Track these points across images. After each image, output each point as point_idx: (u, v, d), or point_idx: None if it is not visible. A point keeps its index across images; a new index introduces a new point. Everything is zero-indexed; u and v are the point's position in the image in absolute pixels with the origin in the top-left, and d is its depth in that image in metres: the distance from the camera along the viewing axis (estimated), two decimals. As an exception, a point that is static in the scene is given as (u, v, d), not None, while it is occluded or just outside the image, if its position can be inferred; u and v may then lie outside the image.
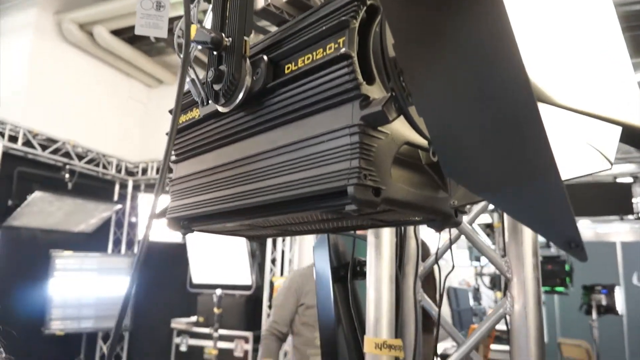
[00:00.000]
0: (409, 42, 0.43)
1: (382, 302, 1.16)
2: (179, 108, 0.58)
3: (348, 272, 1.35)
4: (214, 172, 0.71)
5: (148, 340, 5.86)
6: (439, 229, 0.64)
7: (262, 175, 0.61)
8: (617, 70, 0.54)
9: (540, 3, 0.52)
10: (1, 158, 4.62)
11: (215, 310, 4.31)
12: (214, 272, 5.21)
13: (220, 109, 0.65)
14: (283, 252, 5.42)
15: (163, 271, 5.82)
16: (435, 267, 1.33)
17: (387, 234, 1.21)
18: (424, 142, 0.56)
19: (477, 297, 6.39)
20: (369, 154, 0.51)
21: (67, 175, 5.20)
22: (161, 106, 6.28)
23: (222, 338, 4.63)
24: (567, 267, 5.20)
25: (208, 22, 0.68)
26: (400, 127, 0.54)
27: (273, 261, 5.40)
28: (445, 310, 4.95)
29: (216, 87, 0.63)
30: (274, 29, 0.70)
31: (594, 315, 4.92)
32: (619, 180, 5.30)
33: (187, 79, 0.67)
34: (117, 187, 6.15)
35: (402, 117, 0.52)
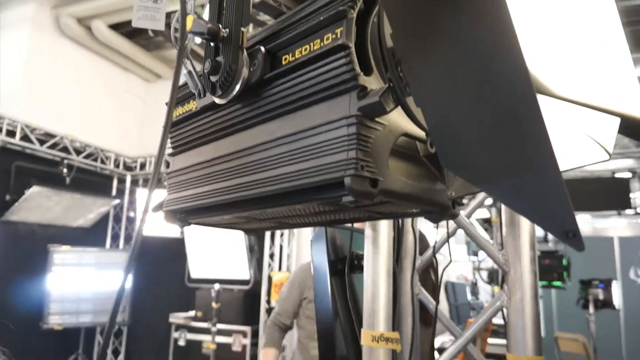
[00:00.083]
0: (407, 32, 0.43)
1: (379, 295, 1.16)
2: (174, 100, 0.57)
3: (345, 265, 1.35)
4: (210, 164, 0.71)
5: (146, 335, 5.87)
6: (436, 220, 0.64)
7: (259, 167, 0.61)
8: (617, 62, 0.53)
9: None
10: (-1, 153, 4.61)
11: (214, 304, 4.32)
12: (212, 267, 5.22)
13: (217, 100, 0.65)
14: (281, 246, 5.43)
15: (161, 266, 5.83)
16: (437, 257, 1.33)
17: (385, 228, 1.21)
18: (421, 133, 0.56)
19: (474, 291, 6.40)
20: (366, 145, 0.51)
21: (65, 170, 5.19)
22: (159, 101, 6.26)
23: (220, 333, 4.64)
24: (564, 262, 5.21)
25: (206, 16, 0.68)
26: (398, 119, 0.54)
27: (271, 256, 5.40)
28: (443, 305, 4.96)
29: (213, 78, 0.62)
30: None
31: (591, 309, 4.94)
32: (617, 175, 5.30)
33: (184, 71, 0.67)
34: (115, 182, 6.14)
35: (399, 108, 0.52)
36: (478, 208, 1.37)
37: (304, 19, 0.58)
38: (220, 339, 4.67)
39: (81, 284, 5.26)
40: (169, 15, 0.84)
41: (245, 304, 5.03)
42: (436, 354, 1.59)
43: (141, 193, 6.00)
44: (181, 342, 5.08)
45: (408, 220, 1.33)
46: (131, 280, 5.53)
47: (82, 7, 5.08)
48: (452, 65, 0.41)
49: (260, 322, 5.03)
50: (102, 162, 5.82)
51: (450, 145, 0.45)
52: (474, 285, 6.45)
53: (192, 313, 5.19)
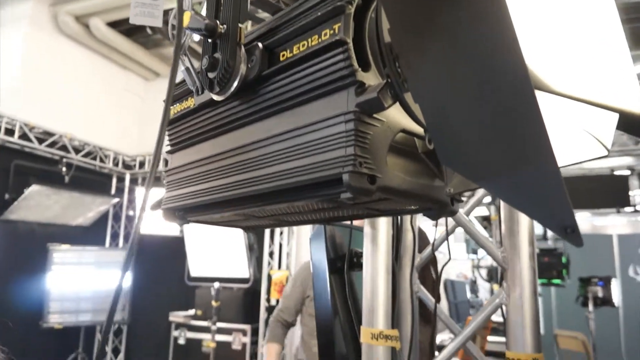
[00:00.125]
0: (405, 27, 0.43)
1: (379, 293, 1.16)
2: (171, 96, 0.57)
3: (345, 263, 1.35)
4: (209, 161, 0.71)
5: (146, 334, 5.87)
6: (435, 217, 0.64)
7: (258, 164, 0.61)
8: (615, 59, 0.53)
9: None
10: (-3, 151, 4.61)
11: (213, 303, 4.32)
12: (212, 266, 5.22)
13: (215, 97, 0.64)
14: (281, 245, 5.43)
15: (161, 264, 5.84)
16: (436, 255, 1.33)
17: (384, 226, 1.21)
18: (420, 130, 0.56)
19: (474, 289, 6.41)
20: (364, 141, 0.51)
21: (64, 169, 5.18)
22: (158, 99, 6.21)
23: (220, 331, 4.64)
24: (563, 260, 5.22)
25: (204, 12, 0.68)
26: (396, 115, 0.54)
27: (271, 254, 5.40)
28: (443, 303, 4.96)
29: (211, 75, 0.62)
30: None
31: (591, 307, 4.94)
32: (616, 173, 5.31)
33: (182, 68, 0.67)
34: (114, 181, 6.14)
35: (398, 104, 0.51)
36: (477, 206, 1.37)
37: (302, 15, 0.57)
38: (220, 337, 4.67)
39: (81, 283, 5.26)
40: (167, 12, 0.84)
41: (245, 302, 5.03)
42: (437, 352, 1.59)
43: (140, 191, 6.00)
44: (181, 341, 5.08)
45: (407, 218, 1.33)
46: (131, 279, 5.54)
47: (80, 5, 5.07)
48: (450, 61, 0.41)
49: (260, 320, 5.04)
50: (101, 160, 5.82)
51: (448, 141, 0.45)
52: (474, 283, 6.46)
53: (191, 311, 5.19)
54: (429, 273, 1.84)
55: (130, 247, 0.55)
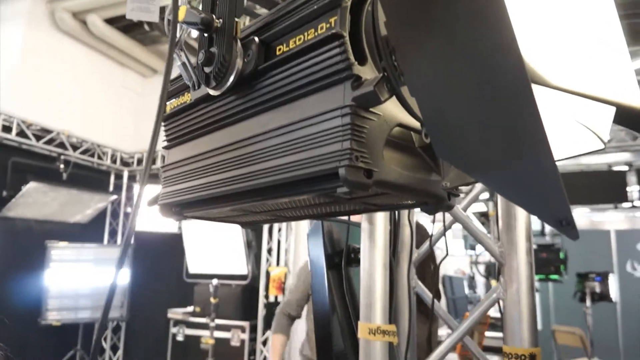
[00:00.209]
0: (401, 20, 0.42)
1: (376, 288, 1.16)
2: (166, 89, 0.57)
3: (342, 259, 1.35)
4: (205, 157, 0.71)
5: (145, 331, 5.88)
6: (432, 212, 0.64)
7: (254, 159, 0.61)
8: (613, 53, 0.53)
9: None
10: (-5, 148, 4.60)
11: (212, 300, 4.33)
12: (210, 262, 5.22)
13: (212, 92, 0.64)
14: (279, 241, 5.43)
15: (159, 261, 5.84)
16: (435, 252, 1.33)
17: (381, 221, 1.21)
18: (416, 124, 0.56)
19: (472, 285, 6.43)
20: (360, 135, 0.50)
21: (61, 166, 5.18)
22: (156, 96, 6.13)
23: (219, 328, 4.65)
24: (561, 255, 5.23)
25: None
26: (392, 109, 0.54)
27: (269, 251, 5.41)
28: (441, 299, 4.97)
29: (207, 69, 0.62)
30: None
31: (588, 302, 4.96)
32: (614, 168, 5.32)
33: (178, 63, 0.67)
34: (112, 178, 6.13)
35: (394, 99, 0.51)
36: (474, 202, 1.38)
37: (298, 9, 0.57)
38: (219, 334, 4.68)
39: (79, 280, 5.26)
40: (164, 9, 0.84)
41: (243, 299, 5.03)
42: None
43: (138, 188, 5.99)
44: (179, 338, 5.08)
45: (404, 213, 1.33)
46: (129, 276, 5.53)
47: (77, 2, 5.05)
48: (446, 54, 0.41)
49: (259, 317, 5.04)
50: (99, 157, 5.81)
51: (444, 135, 0.45)
52: (472, 279, 6.48)
53: (190, 308, 5.20)
54: (428, 268, 1.84)
55: (125, 243, 0.55)
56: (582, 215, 6.89)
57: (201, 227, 5.16)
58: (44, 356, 5.05)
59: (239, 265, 5.04)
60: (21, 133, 4.85)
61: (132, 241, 5.35)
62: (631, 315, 6.51)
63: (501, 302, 1.12)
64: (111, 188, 6.09)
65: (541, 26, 0.52)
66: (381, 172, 0.52)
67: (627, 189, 5.21)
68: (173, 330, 5.15)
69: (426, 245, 1.35)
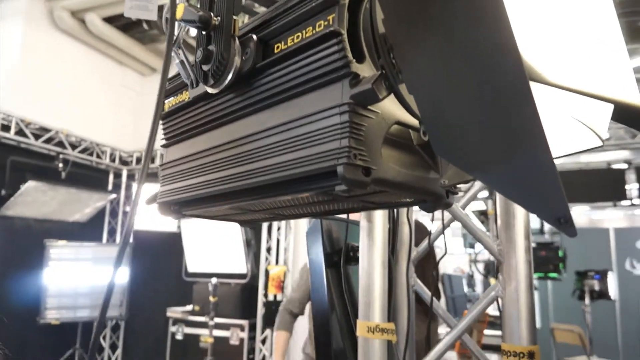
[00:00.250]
0: (399, 17, 0.42)
1: (375, 286, 1.16)
2: (164, 87, 0.57)
3: (341, 257, 1.35)
4: (204, 155, 0.70)
5: (144, 329, 5.88)
6: (430, 210, 0.64)
7: (252, 157, 0.61)
8: (611, 51, 0.53)
9: None
10: (-7, 147, 4.59)
11: (211, 298, 4.33)
12: (210, 261, 5.22)
13: (210, 90, 0.64)
14: (278, 240, 5.44)
15: (158, 260, 5.84)
16: (435, 250, 1.33)
17: (380, 219, 1.21)
18: (415, 122, 0.56)
19: (471, 283, 6.44)
20: (358, 133, 0.50)
21: (60, 165, 5.17)
22: (155, 95, 6.18)
23: (218, 326, 4.65)
24: (560, 253, 5.24)
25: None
26: (390, 107, 0.54)
27: (268, 250, 5.41)
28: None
29: (205, 67, 0.62)
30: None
31: (587, 300, 4.96)
32: (612, 166, 5.32)
33: (177, 61, 0.66)
34: (111, 177, 6.13)
35: (393, 96, 0.51)
36: (473, 200, 1.38)
37: (296, 6, 0.57)
38: (218, 332, 4.68)
39: (78, 279, 5.26)
40: (162, 7, 0.84)
41: (242, 297, 5.04)
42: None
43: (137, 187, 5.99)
44: (179, 336, 5.09)
45: (403, 212, 1.33)
46: (128, 275, 5.53)
47: (75, 0, 5.05)
48: (444, 52, 0.41)
49: (258, 315, 5.05)
50: (98, 156, 5.80)
51: (443, 132, 0.45)
52: (471, 278, 6.49)
53: (189, 307, 5.20)
54: (428, 266, 1.84)
55: (124, 241, 0.55)
56: (581, 213, 6.91)
57: (200, 225, 5.16)
58: (42, 355, 5.05)
59: (238, 264, 5.04)
60: (20, 132, 4.85)
61: (131, 240, 5.35)
62: (630, 313, 6.52)
63: (500, 300, 1.12)
64: (110, 187, 6.09)
65: (539, 23, 0.52)
66: (379, 170, 0.52)
67: (626, 186, 5.21)
68: (172, 329, 5.15)
69: (425, 243, 1.35)
